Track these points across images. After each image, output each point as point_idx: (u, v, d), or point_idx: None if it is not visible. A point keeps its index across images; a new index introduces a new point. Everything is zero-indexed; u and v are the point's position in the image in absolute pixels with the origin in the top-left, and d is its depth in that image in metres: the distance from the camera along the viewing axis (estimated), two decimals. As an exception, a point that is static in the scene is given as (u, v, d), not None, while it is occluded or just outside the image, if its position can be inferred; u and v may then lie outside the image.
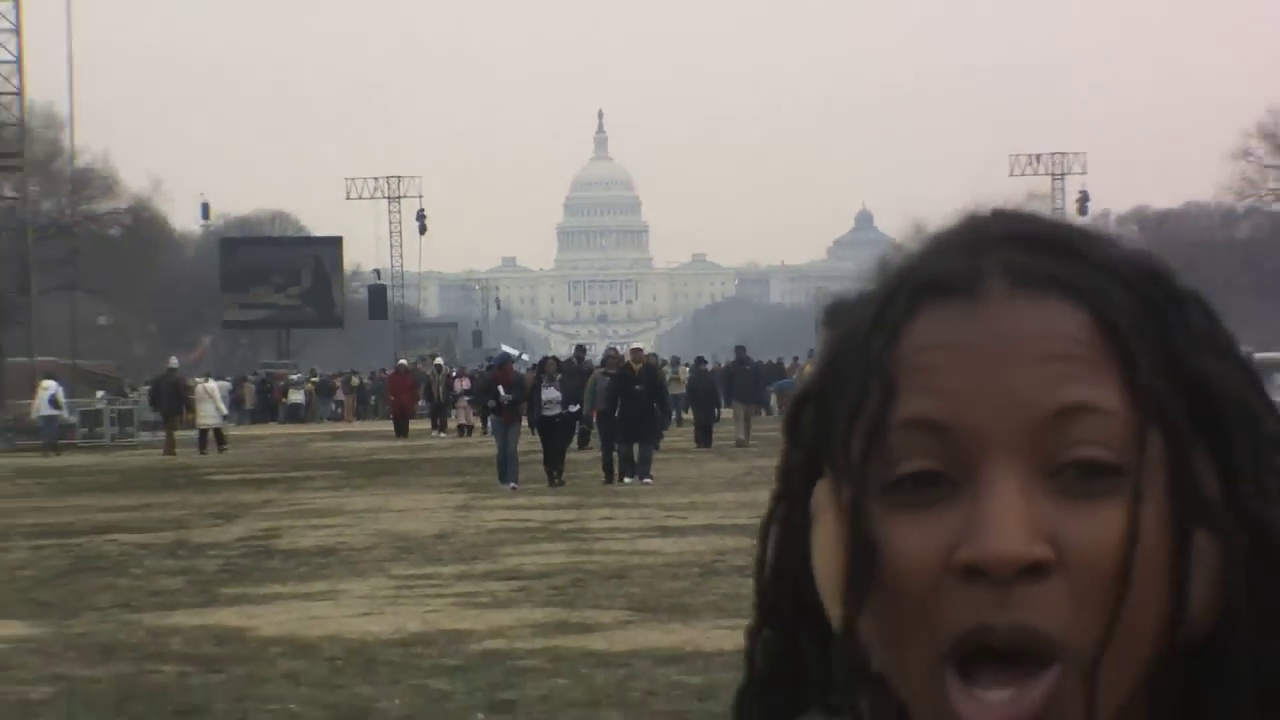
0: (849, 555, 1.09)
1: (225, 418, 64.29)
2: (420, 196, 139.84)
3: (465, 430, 62.46)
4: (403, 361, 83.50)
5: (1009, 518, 1.04)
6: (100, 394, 77.68)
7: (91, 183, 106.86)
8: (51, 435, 62.34)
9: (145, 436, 70.31)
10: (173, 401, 59.12)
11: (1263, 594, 1.10)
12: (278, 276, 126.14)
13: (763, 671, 1.23)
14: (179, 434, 58.42)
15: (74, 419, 69.68)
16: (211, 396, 59.32)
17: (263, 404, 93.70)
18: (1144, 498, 1.05)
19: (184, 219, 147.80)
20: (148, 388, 72.07)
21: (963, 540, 1.04)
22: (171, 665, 16.42)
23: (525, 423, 38.54)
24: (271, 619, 19.03)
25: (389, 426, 72.12)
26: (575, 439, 41.27)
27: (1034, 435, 1.07)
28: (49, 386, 63.42)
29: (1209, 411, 1.12)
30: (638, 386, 38.44)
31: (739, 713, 1.25)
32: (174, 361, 67.09)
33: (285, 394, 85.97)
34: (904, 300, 1.13)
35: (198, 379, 63.51)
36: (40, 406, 62.69)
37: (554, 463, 37.93)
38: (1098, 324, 1.10)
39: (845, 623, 1.11)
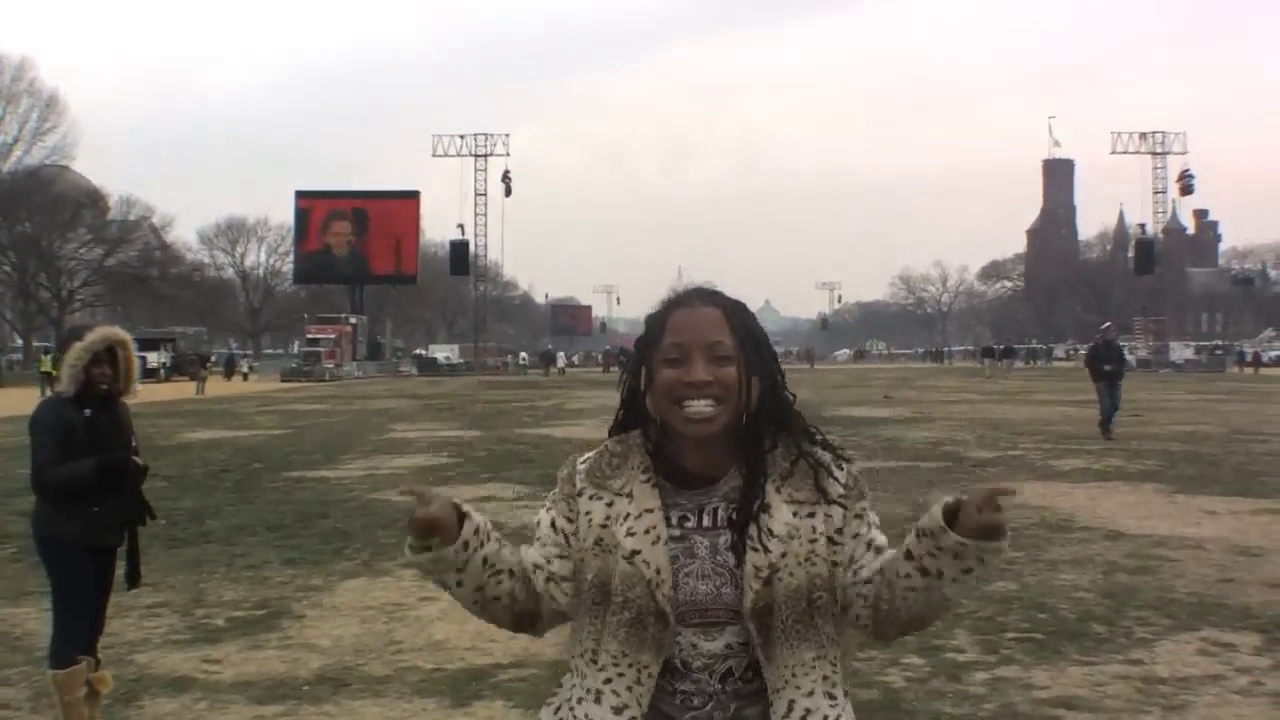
0: (648, 377, 2.39)
1: (566, 366, 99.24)
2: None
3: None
4: (608, 348, 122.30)
5: (700, 370, 2.27)
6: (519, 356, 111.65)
7: (509, 284, 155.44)
8: (512, 370, 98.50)
9: (533, 372, 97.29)
10: (547, 358, 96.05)
11: (769, 395, 2.36)
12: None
13: (619, 426, 2.51)
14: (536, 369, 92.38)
15: (519, 363, 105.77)
16: (561, 359, 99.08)
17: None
18: (738, 365, 2.30)
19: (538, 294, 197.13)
20: (526, 356, 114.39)
21: (685, 376, 2.27)
22: (524, 445, 23.72)
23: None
24: (559, 432, 27.39)
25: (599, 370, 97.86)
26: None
27: (706, 349, 2.29)
28: (522, 354, 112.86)
29: (755, 343, 2.35)
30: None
31: (617, 437, 2.51)
32: (554, 347, 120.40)
33: (555, 360, 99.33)
34: (667, 307, 2.40)
35: (559, 351, 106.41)
36: (515, 362, 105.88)
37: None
38: (724, 316, 2.34)
39: (644, 393, 2.41)
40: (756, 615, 2.26)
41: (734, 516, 2.31)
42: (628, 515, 2.32)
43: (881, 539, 2.41)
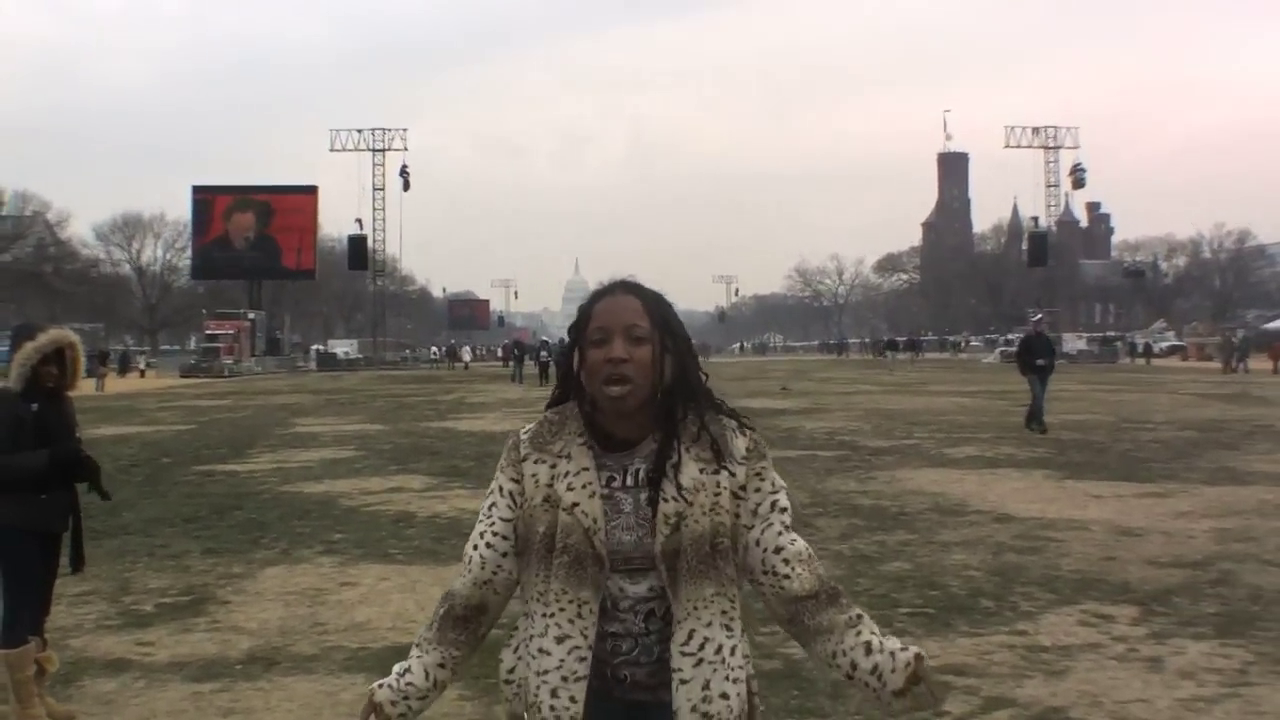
0: (579, 356, 2.73)
1: (471, 360, 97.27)
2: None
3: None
4: (506, 341, 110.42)
5: (619, 348, 2.62)
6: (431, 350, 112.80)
7: (407, 279, 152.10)
8: (410, 364, 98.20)
9: (441, 365, 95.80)
10: (454, 353, 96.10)
11: (680, 373, 2.71)
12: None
13: (554, 401, 2.86)
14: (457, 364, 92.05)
15: (431, 356, 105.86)
16: (466, 354, 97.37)
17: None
18: (653, 345, 2.65)
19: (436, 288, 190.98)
20: (442, 348, 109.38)
21: (606, 354, 2.61)
22: (429, 439, 24.91)
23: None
24: (463, 425, 28.43)
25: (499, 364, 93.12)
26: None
27: (624, 331, 2.64)
28: (433, 348, 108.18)
29: (670, 329, 2.70)
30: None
31: (547, 408, 2.83)
32: (461, 346, 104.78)
33: (459, 354, 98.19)
34: (595, 297, 2.75)
35: (462, 346, 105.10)
36: (427, 355, 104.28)
37: (541, 376, 53.63)
38: (642, 304, 2.69)
39: (576, 368, 2.71)
40: (666, 557, 2.61)
41: (650, 473, 2.67)
42: (568, 473, 2.66)
43: (784, 500, 2.76)
